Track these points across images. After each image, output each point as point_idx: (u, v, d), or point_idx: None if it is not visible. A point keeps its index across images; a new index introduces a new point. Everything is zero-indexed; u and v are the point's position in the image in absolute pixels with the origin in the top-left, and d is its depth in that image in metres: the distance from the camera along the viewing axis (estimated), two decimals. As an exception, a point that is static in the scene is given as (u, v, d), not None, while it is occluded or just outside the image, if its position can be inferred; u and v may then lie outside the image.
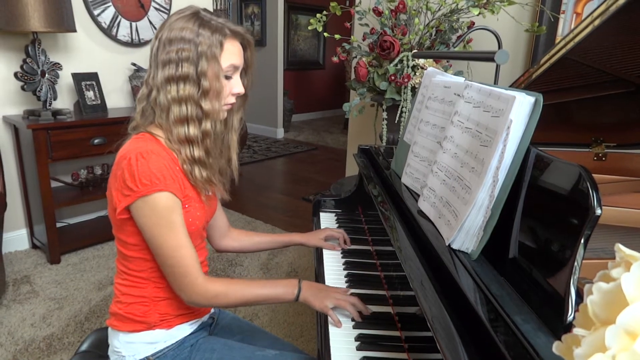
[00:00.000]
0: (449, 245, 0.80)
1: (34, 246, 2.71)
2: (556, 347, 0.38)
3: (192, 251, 0.94)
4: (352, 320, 0.99)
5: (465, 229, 0.78)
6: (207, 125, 0.96)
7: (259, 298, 1.00)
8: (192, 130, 0.95)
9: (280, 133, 6.35)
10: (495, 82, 1.20)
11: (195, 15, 0.95)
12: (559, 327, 0.57)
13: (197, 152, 0.97)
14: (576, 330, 0.35)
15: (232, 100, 1.01)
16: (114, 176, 0.94)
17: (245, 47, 1.01)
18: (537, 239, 0.69)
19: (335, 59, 2.01)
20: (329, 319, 0.98)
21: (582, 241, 0.56)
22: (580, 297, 0.56)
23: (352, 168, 2.97)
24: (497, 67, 1.18)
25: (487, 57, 0.92)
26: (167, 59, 0.92)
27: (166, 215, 0.91)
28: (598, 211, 0.55)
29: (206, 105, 0.95)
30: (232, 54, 0.96)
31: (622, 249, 0.37)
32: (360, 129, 2.82)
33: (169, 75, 0.93)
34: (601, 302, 0.34)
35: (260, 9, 6.08)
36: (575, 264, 0.57)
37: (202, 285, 0.94)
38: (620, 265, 0.36)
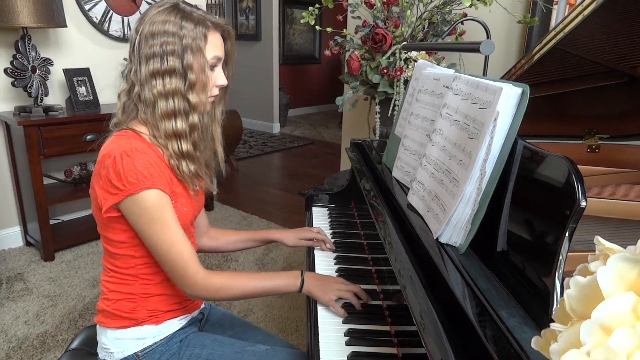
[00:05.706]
0: (437, 239, 0.80)
1: (27, 243, 2.70)
2: (535, 342, 0.37)
3: (188, 245, 0.93)
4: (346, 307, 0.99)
5: (453, 222, 0.77)
6: (194, 118, 0.96)
7: (263, 289, 0.99)
8: (180, 124, 0.95)
9: (276, 128, 6.32)
10: (484, 74, 1.19)
11: (176, 7, 0.93)
12: (545, 321, 0.56)
13: (185, 146, 0.96)
14: (553, 326, 0.34)
15: (216, 92, 1.01)
16: (97, 175, 0.92)
17: (226, 38, 1.01)
18: (523, 232, 0.68)
19: (327, 52, 1.99)
20: (319, 312, 0.98)
21: (567, 234, 0.56)
22: (565, 290, 0.55)
23: (346, 162, 2.95)
24: (486, 58, 1.17)
25: (473, 47, 0.91)
26: (151, 53, 0.91)
27: (157, 212, 0.90)
28: (583, 203, 0.54)
29: (193, 98, 0.94)
30: (215, 45, 0.96)
31: (601, 242, 0.36)
32: (354, 122, 2.80)
33: (154, 70, 0.92)
34: (578, 296, 0.33)
35: (255, 2, 6.02)
36: (560, 257, 0.56)
37: (204, 279, 0.93)
38: (598, 259, 0.35)
